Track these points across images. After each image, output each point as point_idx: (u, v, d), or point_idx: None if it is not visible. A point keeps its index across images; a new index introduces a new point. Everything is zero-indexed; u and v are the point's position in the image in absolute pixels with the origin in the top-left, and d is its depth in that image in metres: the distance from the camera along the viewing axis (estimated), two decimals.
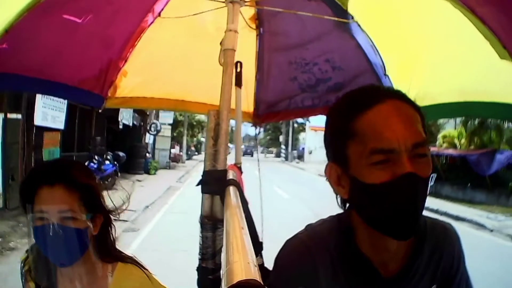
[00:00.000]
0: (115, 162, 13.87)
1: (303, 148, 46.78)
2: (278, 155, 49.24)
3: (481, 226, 10.68)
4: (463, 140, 17.19)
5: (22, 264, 1.18)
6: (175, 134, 28.92)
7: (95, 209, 1.10)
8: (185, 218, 7.61)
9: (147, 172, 18.47)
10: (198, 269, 1.21)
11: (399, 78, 1.99)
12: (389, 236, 0.79)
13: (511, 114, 1.56)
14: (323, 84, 2.30)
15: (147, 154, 19.44)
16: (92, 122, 13.83)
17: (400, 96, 0.81)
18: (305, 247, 0.87)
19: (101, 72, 2.04)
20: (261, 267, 1.12)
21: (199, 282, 1.20)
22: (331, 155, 0.87)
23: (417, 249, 0.88)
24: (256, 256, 1.04)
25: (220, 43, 1.42)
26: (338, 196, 0.89)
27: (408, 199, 0.75)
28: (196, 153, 39.89)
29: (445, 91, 1.75)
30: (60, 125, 10.37)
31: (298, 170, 31.72)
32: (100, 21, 1.76)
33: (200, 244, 1.21)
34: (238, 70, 1.52)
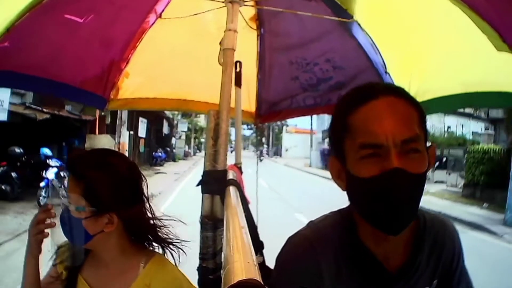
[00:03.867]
0: (165, 153, 27.58)
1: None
2: (267, 152, 61.89)
3: None
4: None
5: (57, 248, 1.21)
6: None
7: (100, 205, 1.07)
8: None
9: (174, 160, 32.03)
10: (198, 269, 1.21)
11: (400, 75, 1.99)
12: (380, 230, 0.80)
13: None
14: (325, 83, 2.30)
15: (174, 150, 34.22)
16: (151, 132, 26.08)
17: (396, 92, 0.81)
18: (308, 243, 0.87)
19: (103, 73, 2.05)
20: (262, 265, 1.12)
21: (200, 282, 1.20)
22: (332, 149, 0.88)
23: (418, 244, 0.88)
24: (256, 254, 1.04)
25: (220, 43, 1.41)
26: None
27: (396, 194, 0.75)
28: (198, 151, 55.31)
29: (446, 84, 1.74)
30: (144, 135, 22.17)
31: (271, 162, 43.09)
32: (102, 21, 1.77)
33: (200, 244, 1.21)
34: (238, 69, 1.52)
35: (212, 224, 1.20)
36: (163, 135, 29.52)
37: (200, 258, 1.21)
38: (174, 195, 12.85)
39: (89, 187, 1.06)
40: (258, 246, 1.17)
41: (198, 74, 2.31)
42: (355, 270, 0.85)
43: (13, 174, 9.29)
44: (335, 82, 2.26)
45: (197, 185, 1.26)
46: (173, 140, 35.21)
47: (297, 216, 9.53)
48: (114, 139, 14.52)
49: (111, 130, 15.40)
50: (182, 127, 39.34)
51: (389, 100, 0.79)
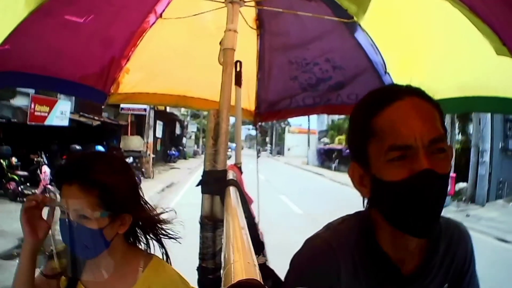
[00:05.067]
0: (178, 151, 31.41)
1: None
2: (270, 151, 67.79)
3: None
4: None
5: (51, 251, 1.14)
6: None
7: (116, 208, 1.05)
8: None
9: (185, 158, 35.28)
10: (198, 269, 1.21)
11: (399, 75, 1.99)
12: (410, 234, 0.79)
13: (511, 108, 1.55)
14: (324, 83, 2.30)
15: (185, 149, 37.42)
16: (166, 133, 28.29)
17: (418, 93, 0.81)
18: (327, 245, 0.87)
19: (103, 69, 2.05)
20: (263, 266, 1.12)
21: (200, 282, 1.19)
22: (353, 154, 0.87)
23: (433, 247, 0.87)
24: (258, 255, 1.04)
25: (220, 43, 1.41)
26: (362, 196, 0.88)
27: (427, 196, 0.74)
28: None
29: (445, 87, 1.74)
30: (160, 135, 24.76)
31: (273, 160, 46.59)
32: (102, 21, 1.77)
33: (200, 244, 1.21)
34: (238, 69, 1.51)
35: (212, 224, 1.20)
36: (176, 135, 33.68)
37: (200, 258, 1.21)
38: (189, 183, 16.57)
39: (105, 192, 1.02)
40: (259, 246, 1.16)
41: (198, 72, 2.31)
42: (372, 272, 0.85)
43: None
44: (334, 82, 2.26)
45: (197, 185, 1.25)
46: (184, 140, 39.40)
47: (280, 197, 13.53)
48: (143, 139, 18.63)
49: (137, 132, 20.21)
50: (192, 128, 44.64)
51: (413, 100, 0.79)
